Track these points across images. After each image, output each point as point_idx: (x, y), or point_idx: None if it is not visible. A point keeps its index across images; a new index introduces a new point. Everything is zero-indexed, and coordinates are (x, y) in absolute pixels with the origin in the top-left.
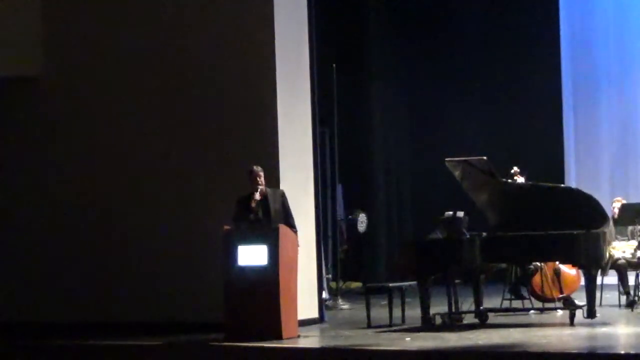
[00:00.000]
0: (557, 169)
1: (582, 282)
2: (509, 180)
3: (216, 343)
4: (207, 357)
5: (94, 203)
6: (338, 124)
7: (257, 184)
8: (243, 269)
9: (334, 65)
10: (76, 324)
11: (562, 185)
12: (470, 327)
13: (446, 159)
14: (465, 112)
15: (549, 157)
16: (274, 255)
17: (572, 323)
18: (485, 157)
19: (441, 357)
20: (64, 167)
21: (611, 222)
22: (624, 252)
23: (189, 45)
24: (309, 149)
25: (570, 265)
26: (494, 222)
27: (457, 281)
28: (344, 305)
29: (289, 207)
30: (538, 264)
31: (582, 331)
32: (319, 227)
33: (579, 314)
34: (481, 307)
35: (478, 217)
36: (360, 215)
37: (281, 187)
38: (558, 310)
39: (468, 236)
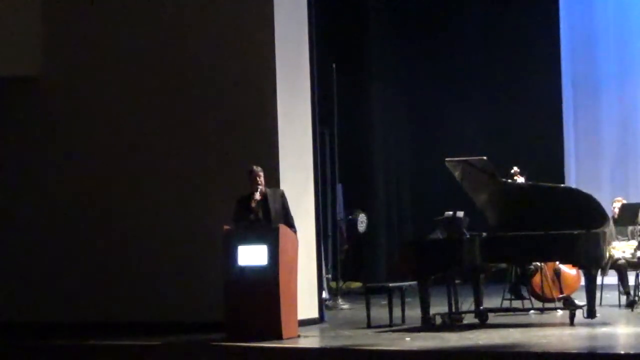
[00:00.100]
0: (557, 169)
1: (582, 282)
2: (509, 180)
3: (216, 343)
4: (207, 357)
5: (94, 203)
6: (338, 124)
7: (257, 184)
8: (243, 269)
9: (334, 65)
10: (76, 324)
11: (562, 185)
12: (470, 327)
13: (446, 159)
14: (465, 112)
15: (549, 157)
16: (274, 255)
17: (572, 323)
18: (485, 157)
19: (441, 357)
20: (64, 167)
21: (611, 222)
22: (624, 252)
23: (189, 45)
24: (309, 149)
25: (570, 265)
26: (494, 222)
27: (457, 281)
28: (344, 305)
29: (288, 207)
30: (538, 264)
31: (582, 331)
32: (319, 227)
33: (579, 314)
34: (481, 307)
35: (478, 217)
36: (360, 215)
37: (281, 187)
38: (558, 310)
39: (468, 236)
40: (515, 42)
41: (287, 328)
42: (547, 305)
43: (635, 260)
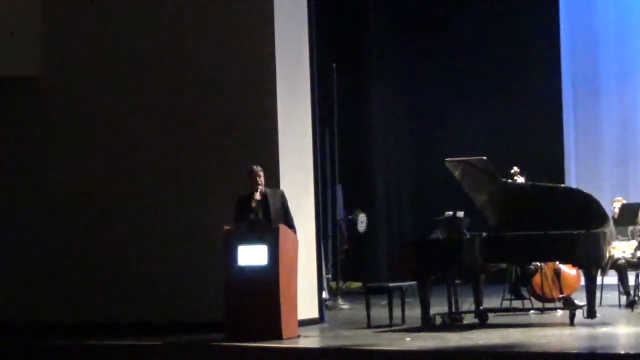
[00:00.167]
0: (557, 169)
1: (582, 282)
2: (509, 180)
3: (216, 343)
4: (207, 357)
5: (94, 203)
6: (338, 124)
7: (257, 184)
8: (243, 269)
9: (334, 65)
10: (76, 324)
11: (562, 185)
12: (470, 327)
13: (446, 159)
14: (465, 112)
15: (549, 157)
16: (274, 255)
17: (572, 323)
18: (485, 157)
19: (441, 357)
20: (64, 167)
21: (611, 222)
22: (624, 252)
23: (189, 45)
24: (309, 149)
25: (570, 265)
26: (494, 222)
27: (457, 281)
28: (344, 305)
29: (288, 207)
30: (538, 264)
31: (582, 331)
32: (319, 227)
33: (579, 314)
34: (481, 307)
35: (478, 217)
36: (360, 215)
37: (281, 187)
38: (558, 310)
39: (468, 236)
40: (515, 42)
41: (287, 328)
42: (547, 305)
43: (635, 260)
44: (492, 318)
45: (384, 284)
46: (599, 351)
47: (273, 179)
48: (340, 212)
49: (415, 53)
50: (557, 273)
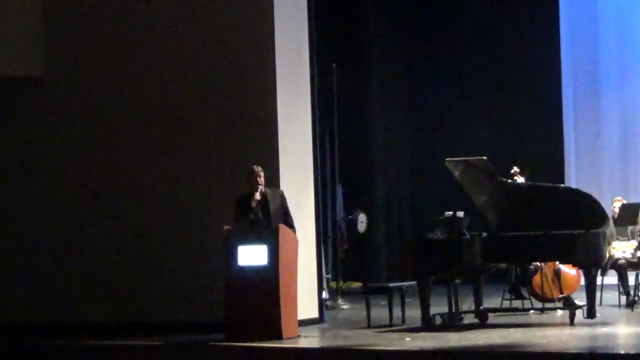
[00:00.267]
0: (557, 169)
1: (582, 282)
2: (509, 180)
3: (216, 343)
4: (207, 357)
5: (94, 203)
6: (338, 124)
7: (258, 184)
8: (243, 269)
9: (334, 65)
10: (76, 324)
11: (562, 185)
12: (470, 327)
13: (446, 159)
14: (465, 112)
15: (549, 157)
16: (274, 255)
17: (572, 323)
18: (485, 157)
19: (441, 357)
20: (64, 167)
21: (611, 222)
22: (624, 252)
23: (189, 45)
24: (309, 149)
25: (570, 265)
26: (494, 222)
27: (457, 281)
28: (344, 305)
29: (287, 207)
30: (538, 264)
31: (582, 331)
32: (319, 227)
33: (579, 314)
34: (481, 307)
35: (478, 217)
36: (360, 215)
37: (281, 187)
38: (558, 310)
39: (468, 236)
40: (515, 42)
41: (287, 328)
42: (547, 305)
43: (635, 260)
44: (492, 318)
45: (384, 284)
46: (599, 351)
47: (273, 179)
48: (340, 212)
49: (415, 53)
50: (557, 273)
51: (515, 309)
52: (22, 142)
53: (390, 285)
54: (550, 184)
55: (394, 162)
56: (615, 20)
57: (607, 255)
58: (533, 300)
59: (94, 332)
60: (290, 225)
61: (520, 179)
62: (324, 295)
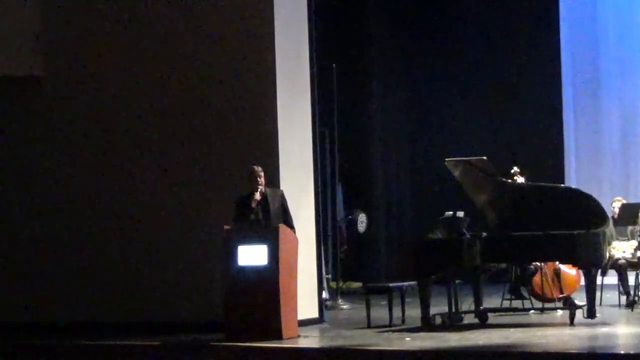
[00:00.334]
0: (557, 169)
1: (582, 282)
2: (509, 180)
3: (216, 343)
4: (207, 357)
5: (93, 203)
6: (338, 124)
7: (258, 184)
8: (243, 269)
9: (334, 65)
10: (76, 324)
11: (562, 185)
12: (470, 327)
13: (446, 159)
14: (465, 112)
15: (549, 157)
16: (274, 255)
17: (572, 323)
18: (485, 157)
19: (441, 357)
20: (64, 167)
21: (611, 222)
22: (624, 252)
23: (189, 45)
24: (309, 149)
25: (570, 265)
26: (494, 222)
27: (457, 281)
28: (344, 305)
29: (287, 207)
30: (538, 264)
31: (582, 331)
32: (319, 227)
33: (579, 314)
34: (481, 307)
35: (478, 217)
36: (360, 215)
37: (281, 187)
38: (558, 310)
39: (468, 236)
40: (515, 42)
41: (287, 328)
42: (547, 305)
43: (635, 260)
44: (492, 318)
45: (384, 284)
46: (599, 351)
47: (273, 179)
48: (340, 212)
49: (415, 53)
50: (557, 273)
51: (515, 309)
52: (22, 142)
53: (390, 285)
54: (550, 184)
55: (394, 162)
56: (615, 20)
57: (607, 255)
58: (533, 300)
59: (94, 332)
60: (290, 225)
61: (520, 179)
62: (324, 295)
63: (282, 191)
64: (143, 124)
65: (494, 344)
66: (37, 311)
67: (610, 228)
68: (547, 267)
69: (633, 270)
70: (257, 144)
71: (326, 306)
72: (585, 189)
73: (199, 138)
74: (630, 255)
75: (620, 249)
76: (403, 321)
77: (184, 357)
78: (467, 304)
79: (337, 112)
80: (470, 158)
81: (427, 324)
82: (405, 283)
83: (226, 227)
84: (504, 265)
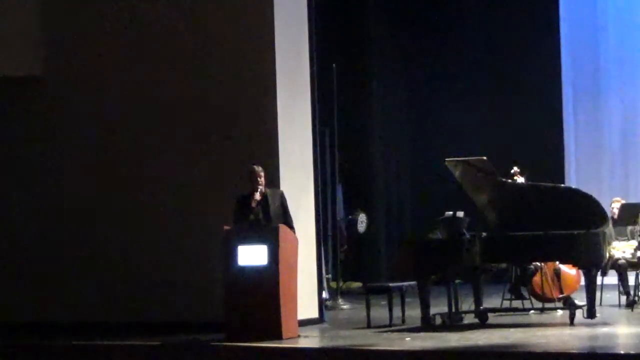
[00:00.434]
0: (557, 169)
1: (582, 282)
2: (509, 180)
3: (216, 343)
4: (207, 357)
5: (93, 203)
6: (338, 124)
7: (258, 184)
8: (243, 269)
9: (334, 65)
10: (76, 324)
11: (562, 185)
12: (470, 327)
13: (446, 159)
14: (465, 112)
15: (549, 157)
16: (274, 255)
17: (572, 323)
18: (485, 157)
19: (441, 357)
20: (64, 167)
21: (610, 223)
22: (624, 252)
23: (189, 45)
24: (309, 149)
25: (570, 265)
26: (493, 222)
27: (457, 281)
28: (344, 305)
29: (287, 207)
30: (538, 264)
31: (582, 331)
32: (319, 227)
33: (579, 314)
34: (481, 307)
35: (478, 217)
36: (360, 215)
37: (281, 187)
38: (558, 310)
39: (468, 236)
40: (515, 42)
41: (287, 328)
42: (547, 305)
43: (635, 260)
44: (492, 318)
45: (384, 284)
46: (599, 351)
47: (273, 179)
48: (340, 212)
49: (414, 53)
50: (557, 273)
51: (515, 309)
52: (22, 142)
53: (390, 285)
54: (550, 184)
55: (394, 162)
56: (615, 20)
57: (607, 255)
58: (533, 300)
59: (94, 332)
60: (290, 226)
61: (520, 179)
62: (324, 295)
63: (282, 191)
64: (143, 123)
65: (494, 344)
66: (37, 311)
67: (609, 228)
68: (547, 267)
69: (633, 270)
70: (257, 144)
71: (326, 306)
72: (585, 189)
73: (199, 138)
74: (630, 255)
75: (620, 249)
76: (403, 321)
77: (184, 357)
78: (467, 304)
79: (337, 112)
80: (470, 158)
81: (427, 324)
82: (405, 283)
83: (226, 227)
84: (504, 265)
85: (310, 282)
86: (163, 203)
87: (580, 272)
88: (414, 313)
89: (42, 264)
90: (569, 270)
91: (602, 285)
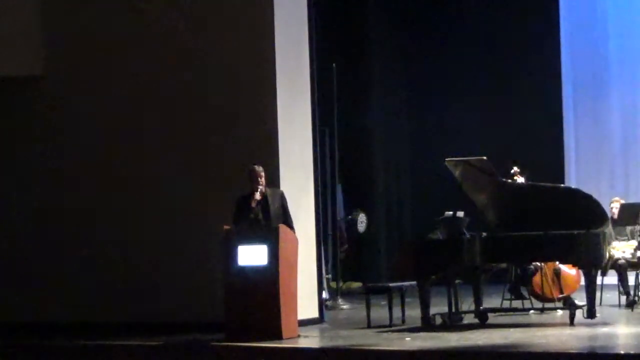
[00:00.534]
0: (557, 169)
1: (582, 282)
2: (509, 180)
3: (216, 343)
4: (207, 357)
5: (93, 203)
6: (338, 124)
7: (258, 183)
8: (243, 269)
9: (334, 65)
10: (76, 324)
11: (562, 185)
12: (470, 327)
13: (446, 159)
14: (465, 112)
15: (549, 157)
16: (274, 255)
17: (572, 323)
18: (485, 157)
19: (441, 357)
20: (64, 167)
21: (610, 223)
22: (624, 252)
23: (189, 45)
24: (309, 149)
25: (570, 265)
26: (494, 222)
27: (457, 281)
28: (344, 305)
29: (287, 207)
30: (538, 264)
31: (582, 331)
32: (319, 227)
33: (579, 314)
34: (481, 307)
35: (478, 217)
36: (360, 215)
37: (281, 187)
38: (558, 310)
39: (468, 236)
40: (515, 42)
41: (287, 328)
42: (547, 305)
43: (635, 260)
44: (492, 318)
45: (384, 284)
46: (599, 351)
47: (273, 178)
48: (340, 212)
49: (414, 53)
50: (557, 273)
51: (515, 309)
52: (22, 142)
53: (390, 285)
54: (550, 184)
55: (394, 162)
56: (615, 20)
57: (607, 255)
58: (533, 300)
59: (94, 332)
60: (290, 226)
61: (520, 179)
62: (324, 295)
63: (282, 191)
64: (143, 123)
65: (494, 344)
66: (37, 311)
67: (609, 228)
68: (547, 267)
69: (633, 270)
70: (257, 144)
71: (326, 306)
72: (585, 189)
73: (199, 138)
74: (630, 255)
75: (620, 249)
76: (403, 321)
77: (184, 357)
78: (467, 304)
79: (337, 112)
80: (470, 158)
81: (427, 324)
82: (405, 283)
83: (226, 227)
84: (504, 265)
85: (310, 282)
86: (163, 203)
87: (580, 272)
88: (414, 313)
89: (42, 264)
90: (569, 270)
91: (602, 285)
